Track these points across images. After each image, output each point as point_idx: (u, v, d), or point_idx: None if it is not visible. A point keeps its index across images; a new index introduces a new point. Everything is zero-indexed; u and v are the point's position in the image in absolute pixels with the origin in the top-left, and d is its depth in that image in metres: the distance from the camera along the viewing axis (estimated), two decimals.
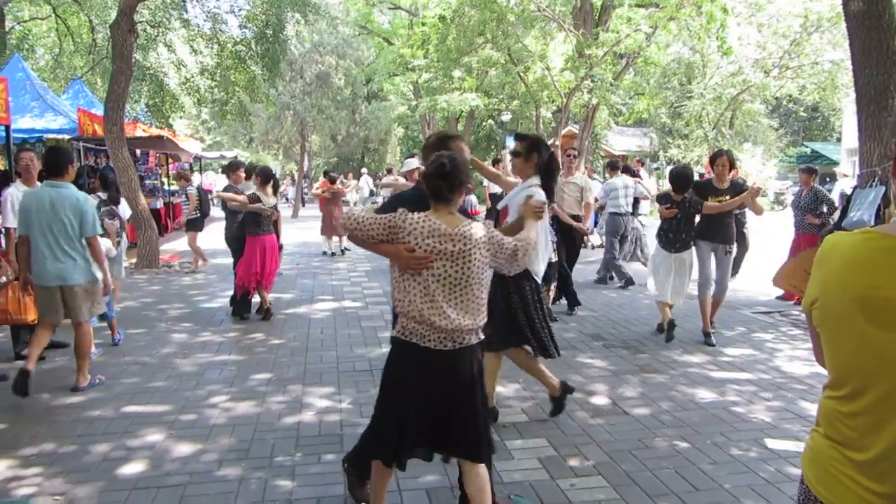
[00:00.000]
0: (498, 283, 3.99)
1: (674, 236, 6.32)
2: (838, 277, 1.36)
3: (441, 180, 2.67)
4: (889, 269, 1.29)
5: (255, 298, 7.54)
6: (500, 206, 4.30)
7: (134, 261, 11.24)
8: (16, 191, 5.87)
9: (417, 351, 2.69)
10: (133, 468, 3.67)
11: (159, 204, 15.92)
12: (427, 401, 2.71)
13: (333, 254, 13.01)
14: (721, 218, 6.36)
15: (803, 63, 20.46)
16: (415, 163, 8.50)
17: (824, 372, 1.46)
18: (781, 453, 3.84)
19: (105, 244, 5.58)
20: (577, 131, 21.59)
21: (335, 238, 13.10)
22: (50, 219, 4.78)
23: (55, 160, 4.98)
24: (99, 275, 5.08)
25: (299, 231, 17.34)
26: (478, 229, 2.71)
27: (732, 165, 6.71)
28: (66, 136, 12.28)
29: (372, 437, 2.94)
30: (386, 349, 6.01)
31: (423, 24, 18.58)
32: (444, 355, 2.68)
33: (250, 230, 7.23)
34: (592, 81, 16.79)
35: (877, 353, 1.29)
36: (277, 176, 8.79)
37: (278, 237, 7.60)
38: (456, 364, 2.69)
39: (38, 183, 5.60)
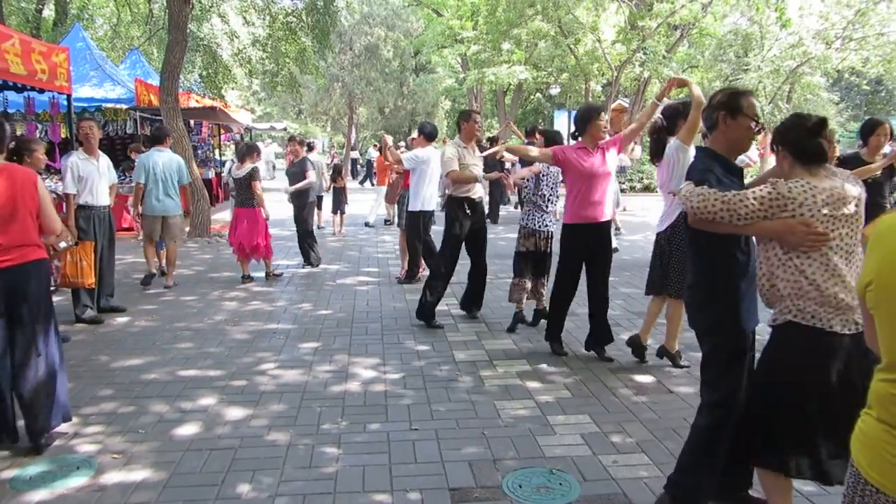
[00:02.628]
0: None
1: None
2: (894, 259, 1.33)
3: (821, 138, 2.38)
4: None
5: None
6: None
7: (187, 229, 11.56)
8: (77, 159, 6.09)
9: (823, 337, 2.33)
10: (187, 430, 3.83)
11: (211, 174, 16.26)
12: (837, 395, 2.33)
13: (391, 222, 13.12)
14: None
15: (868, 34, 19.56)
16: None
17: None
18: None
19: None
20: (627, 105, 21.16)
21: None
22: (158, 173, 7.31)
23: (157, 135, 7.78)
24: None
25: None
26: (850, 183, 2.39)
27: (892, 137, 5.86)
28: (124, 106, 12.62)
29: (773, 448, 2.52)
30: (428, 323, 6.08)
31: None
32: (852, 340, 2.31)
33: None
34: (645, 54, 16.41)
35: None
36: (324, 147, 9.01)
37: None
38: (863, 350, 2.13)
39: (100, 151, 5.83)
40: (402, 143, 15.02)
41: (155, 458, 3.49)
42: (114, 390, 4.46)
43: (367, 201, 14.41)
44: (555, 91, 28.16)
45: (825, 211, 2.29)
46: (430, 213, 7.51)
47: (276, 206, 8.38)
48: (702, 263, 2.83)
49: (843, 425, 1.77)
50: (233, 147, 23.19)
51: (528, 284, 5.96)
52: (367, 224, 13.31)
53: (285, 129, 29.56)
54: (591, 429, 3.85)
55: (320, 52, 15.67)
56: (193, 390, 4.45)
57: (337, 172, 12.53)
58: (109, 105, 12.59)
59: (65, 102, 8.60)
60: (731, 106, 2.68)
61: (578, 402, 4.27)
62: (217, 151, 18.98)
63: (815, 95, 25.41)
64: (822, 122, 2.41)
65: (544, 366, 4.98)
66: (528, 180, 5.90)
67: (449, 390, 4.48)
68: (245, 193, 7.71)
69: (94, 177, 6.12)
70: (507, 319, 6.17)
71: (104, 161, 6.35)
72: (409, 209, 7.50)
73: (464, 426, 3.89)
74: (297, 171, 8.83)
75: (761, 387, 2.56)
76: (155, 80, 13.00)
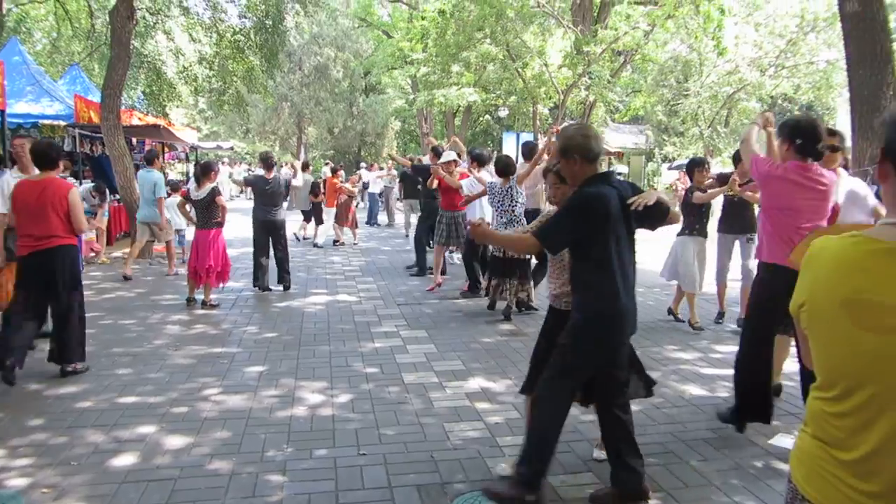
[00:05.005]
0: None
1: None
2: (826, 281, 1.38)
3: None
4: (875, 271, 1.30)
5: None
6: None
7: (127, 250, 11.22)
8: (9, 178, 5.85)
9: None
10: (124, 460, 3.67)
11: None
12: None
13: (354, 244, 13.57)
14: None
15: (799, 62, 20.52)
16: (452, 154, 8.74)
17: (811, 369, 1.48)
18: (771, 449, 3.87)
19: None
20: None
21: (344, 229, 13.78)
22: (142, 186, 9.47)
23: (148, 157, 10.14)
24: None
25: (294, 223, 17.28)
26: None
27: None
28: (62, 123, 12.22)
29: None
30: (379, 344, 6.05)
31: (423, 19, 18.56)
32: None
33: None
34: (590, 78, 16.81)
35: (864, 355, 1.30)
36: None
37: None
38: None
39: (36, 170, 5.65)
40: (363, 165, 15.21)
41: (88, 491, 3.33)
42: (45, 420, 4.25)
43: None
44: (503, 113, 28.57)
45: None
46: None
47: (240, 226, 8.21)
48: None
49: None
50: (177, 166, 22.72)
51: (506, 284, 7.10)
52: (315, 245, 13.17)
53: (232, 149, 29.12)
54: None
55: (269, 72, 15.53)
56: (131, 418, 4.29)
57: (315, 189, 13.34)
58: (47, 121, 12.17)
59: None
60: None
61: (524, 421, 4.27)
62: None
63: (751, 120, 26.47)
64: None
65: (493, 386, 4.98)
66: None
67: (398, 413, 4.43)
68: (205, 215, 7.52)
69: None
70: (457, 341, 6.19)
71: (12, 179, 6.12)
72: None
73: (413, 449, 3.84)
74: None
75: None
76: (96, 97, 12.65)
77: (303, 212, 14.02)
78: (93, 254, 10.51)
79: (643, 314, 7.30)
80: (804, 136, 3.81)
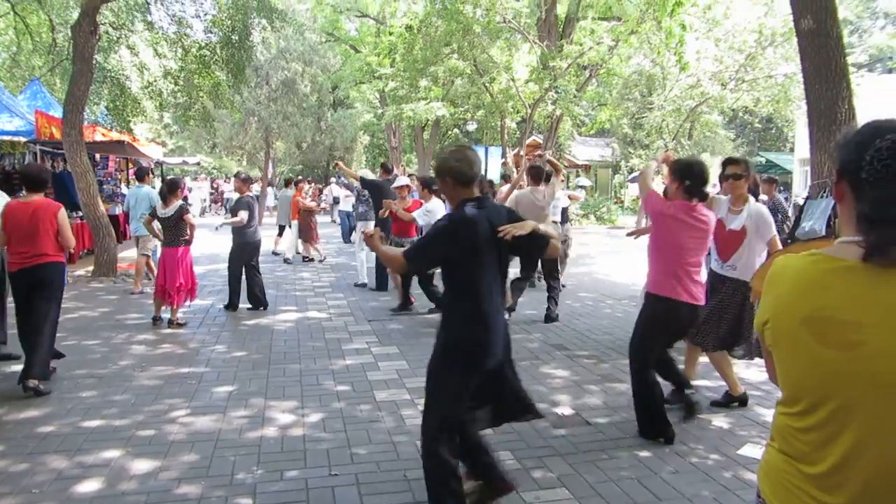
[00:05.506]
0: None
1: None
2: (788, 299, 1.41)
3: None
4: (835, 289, 1.33)
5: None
6: (735, 226, 4.62)
7: (91, 268, 10.99)
8: None
9: None
10: (88, 486, 3.58)
11: (118, 210, 15.57)
12: None
13: (321, 260, 13.40)
14: None
15: (758, 76, 21.03)
16: (404, 179, 8.76)
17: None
18: (739, 460, 3.93)
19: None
20: (541, 141, 21.83)
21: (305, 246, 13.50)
22: (138, 202, 9.89)
23: (140, 174, 10.66)
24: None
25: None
26: None
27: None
28: (23, 139, 11.94)
29: None
30: (350, 361, 6.00)
31: (391, 34, 18.63)
32: None
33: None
34: (556, 93, 17.02)
35: (826, 371, 1.33)
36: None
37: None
38: None
39: None
40: (333, 180, 15.23)
41: None
42: (5, 446, 4.13)
43: (284, 237, 14.13)
44: (472, 127, 28.77)
45: None
46: None
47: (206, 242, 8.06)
48: None
49: None
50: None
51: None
52: (285, 261, 13.06)
53: (199, 164, 28.73)
54: (513, 465, 3.85)
55: (235, 87, 15.38)
56: (96, 443, 4.18)
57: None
58: (6, 137, 11.88)
59: None
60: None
61: (499, 437, 4.27)
62: (125, 186, 18.22)
63: (714, 133, 27.03)
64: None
65: None
66: None
67: (370, 432, 4.40)
68: (172, 232, 7.40)
69: None
70: (428, 356, 6.16)
71: (0, 201, 5.97)
72: None
73: (385, 469, 3.82)
74: (234, 209, 8.51)
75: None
76: (57, 112, 12.40)
77: (280, 226, 14.11)
78: None
79: (613, 327, 7.40)
80: (693, 178, 4.04)
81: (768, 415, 4.64)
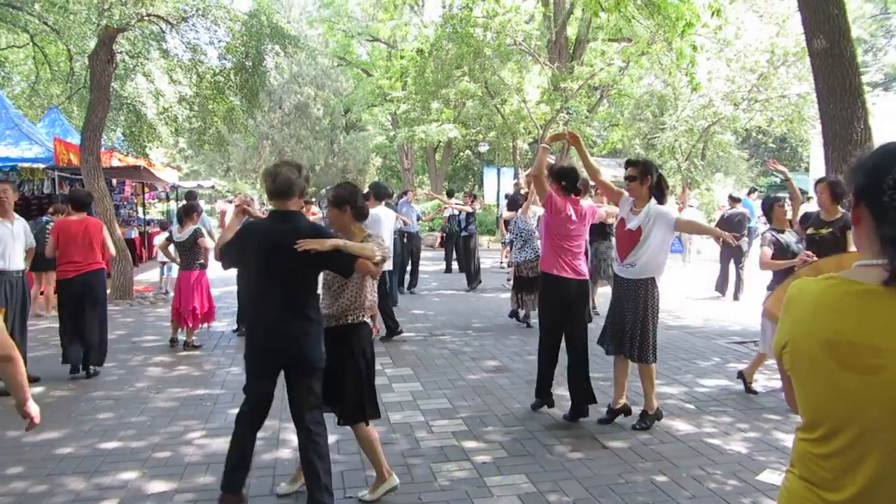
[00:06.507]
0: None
1: None
2: (807, 323, 1.40)
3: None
4: (855, 313, 1.32)
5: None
6: (632, 226, 4.74)
7: (108, 291, 11.08)
8: None
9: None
10: None
11: (134, 233, 15.74)
12: None
13: None
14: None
15: (771, 96, 20.97)
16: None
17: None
18: (758, 486, 3.88)
19: None
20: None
21: None
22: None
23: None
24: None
25: None
26: None
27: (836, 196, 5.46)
28: (42, 166, 12.14)
29: None
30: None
31: (402, 57, 18.82)
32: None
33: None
34: (568, 113, 17.09)
35: (847, 396, 1.32)
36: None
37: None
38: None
39: (15, 214, 5.84)
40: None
41: None
42: (24, 467, 4.16)
43: None
44: (484, 148, 28.91)
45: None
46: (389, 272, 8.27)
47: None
48: None
49: None
50: (157, 206, 22.59)
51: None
52: None
53: (213, 187, 29.05)
54: (528, 489, 3.83)
55: (249, 111, 15.58)
56: (113, 464, 4.20)
57: None
58: (26, 164, 12.09)
59: None
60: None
61: (514, 461, 4.25)
62: (141, 210, 18.43)
63: (727, 153, 26.91)
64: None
65: (480, 424, 4.96)
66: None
67: (384, 454, 4.38)
68: (188, 256, 7.48)
69: (7, 241, 5.83)
70: (442, 378, 6.17)
71: (19, 224, 6.07)
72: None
73: (400, 491, 3.80)
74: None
75: None
76: (75, 139, 12.61)
77: None
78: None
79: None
80: (567, 179, 5.03)
81: (787, 440, 4.58)
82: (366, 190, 8.52)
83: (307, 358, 3.46)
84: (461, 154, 32.27)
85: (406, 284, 11.79)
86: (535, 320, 7.84)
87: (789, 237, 5.49)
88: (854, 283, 1.35)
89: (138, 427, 4.91)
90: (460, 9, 16.46)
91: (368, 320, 3.73)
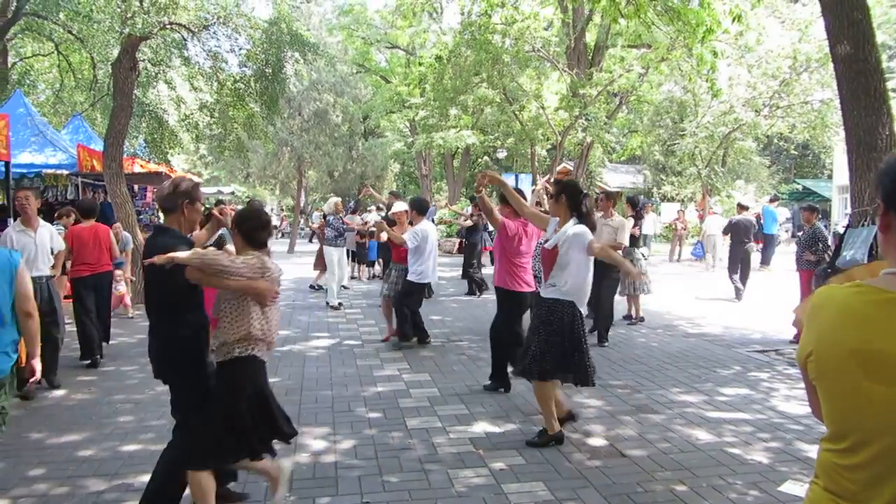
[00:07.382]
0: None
1: None
2: (833, 331, 1.37)
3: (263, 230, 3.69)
4: (882, 321, 1.29)
5: None
6: (548, 245, 4.64)
7: (130, 296, 11.19)
8: (12, 232, 5.93)
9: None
10: None
11: None
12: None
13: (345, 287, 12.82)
14: None
15: (793, 102, 20.74)
16: (402, 205, 8.76)
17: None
18: (780, 497, 3.82)
19: None
20: (571, 168, 21.80)
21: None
22: None
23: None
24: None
25: (295, 266, 17.33)
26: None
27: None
28: (65, 172, 12.34)
29: None
30: (382, 388, 6.01)
31: (420, 64, 18.89)
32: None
33: None
34: (587, 120, 17.01)
35: (875, 407, 1.29)
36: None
37: None
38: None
39: (40, 220, 5.98)
40: (371, 208, 15.69)
41: None
42: (46, 469, 4.21)
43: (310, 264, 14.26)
44: (502, 155, 28.90)
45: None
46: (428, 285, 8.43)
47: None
48: None
49: None
50: None
51: None
52: (311, 287, 13.16)
53: (233, 193, 29.31)
54: (546, 496, 3.80)
55: (269, 118, 15.71)
56: (133, 466, 4.24)
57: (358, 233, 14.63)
58: (50, 171, 12.29)
59: (2, 169, 8.39)
60: (192, 196, 3.67)
61: (532, 468, 4.23)
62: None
63: (748, 160, 26.65)
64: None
65: (497, 431, 4.93)
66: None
67: (401, 459, 4.38)
68: None
69: (30, 248, 5.92)
70: (460, 384, 6.15)
71: (44, 231, 6.16)
72: (413, 280, 7.66)
73: (417, 497, 3.79)
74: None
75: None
76: (98, 146, 12.80)
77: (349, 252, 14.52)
78: (121, 307, 9.98)
79: (647, 357, 7.29)
80: (571, 194, 4.93)
81: (810, 450, 4.51)
82: (397, 203, 8.81)
83: (164, 369, 3.75)
84: (479, 160, 32.27)
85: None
86: None
87: None
88: (881, 290, 1.32)
89: (158, 430, 4.95)
90: (479, 16, 16.44)
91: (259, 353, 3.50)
